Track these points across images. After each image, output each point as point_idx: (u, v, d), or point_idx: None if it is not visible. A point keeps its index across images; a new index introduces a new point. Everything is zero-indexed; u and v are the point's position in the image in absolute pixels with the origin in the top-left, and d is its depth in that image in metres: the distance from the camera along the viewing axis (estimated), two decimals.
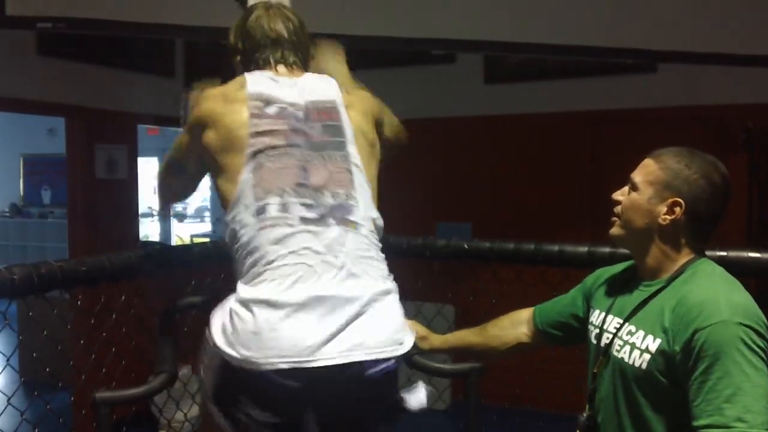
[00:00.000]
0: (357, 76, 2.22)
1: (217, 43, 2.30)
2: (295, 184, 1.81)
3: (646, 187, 1.77)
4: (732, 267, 1.87)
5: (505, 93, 5.79)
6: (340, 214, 1.81)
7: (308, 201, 1.80)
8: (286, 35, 2.04)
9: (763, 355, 1.55)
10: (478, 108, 5.87)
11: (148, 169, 10.97)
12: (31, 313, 2.12)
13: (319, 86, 1.99)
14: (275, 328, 1.70)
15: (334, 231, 1.79)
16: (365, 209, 1.86)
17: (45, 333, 2.30)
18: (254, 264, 1.78)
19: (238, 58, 2.08)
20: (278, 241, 1.77)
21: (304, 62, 2.07)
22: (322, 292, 1.73)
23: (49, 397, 2.37)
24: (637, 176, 1.80)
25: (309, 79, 2.01)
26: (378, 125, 2.05)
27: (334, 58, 2.26)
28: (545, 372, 3.11)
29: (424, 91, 5.95)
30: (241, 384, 1.77)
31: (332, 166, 1.85)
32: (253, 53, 2.04)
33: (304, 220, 1.79)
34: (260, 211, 1.80)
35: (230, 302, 1.80)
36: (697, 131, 5.01)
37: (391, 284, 1.86)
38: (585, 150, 5.56)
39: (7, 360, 2.20)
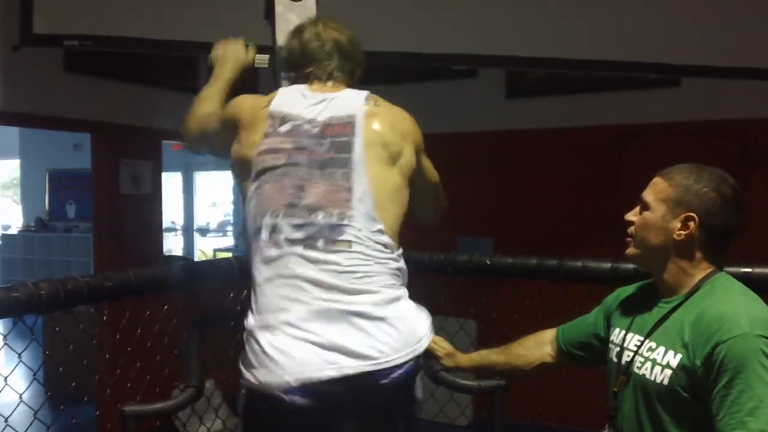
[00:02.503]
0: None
1: None
2: (287, 204, 1.82)
3: (658, 205, 1.77)
4: (757, 283, 1.86)
5: (527, 107, 5.79)
6: (330, 235, 1.80)
7: (297, 221, 1.80)
8: (334, 50, 2.05)
9: None
10: (500, 122, 5.87)
11: (172, 184, 11.07)
12: (57, 328, 2.14)
13: (347, 101, 1.96)
14: (278, 348, 1.73)
15: (321, 251, 1.79)
16: (362, 226, 1.82)
17: (71, 348, 2.32)
18: (253, 290, 1.82)
19: (293, 74, 2.10)
20: (267, 266, 1.80)
21: (351, 76, 2.07)
22: (317, 310, 1.75)
23: (74, 411, 2.39)
24: (648, 195, 1.80)
25: (342, 94, 1.99)
26: (415, 149, 2.00)
27: None
28: (569, 388, 3.09)
29: (446, 106, 5.96)
30: (263, 414, 1.80)
31: (331, 184, 1.83)
32: (302, 69, 2.05)
33: (291, 242, 1.79)
34: (256, 233, 1.83)
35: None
36: (722, 145, 4.99)
37: (395, 291, 1.85)
38: (608, 165, 5.54)
39: (34, 374, 2.22)
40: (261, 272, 1.81)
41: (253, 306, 1.81)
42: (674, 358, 1.67)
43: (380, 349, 1.75)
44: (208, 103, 2.19)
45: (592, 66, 4.01)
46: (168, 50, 4.67)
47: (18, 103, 4.99)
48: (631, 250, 1.86)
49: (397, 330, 1.79)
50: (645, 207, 1.81)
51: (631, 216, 1.85)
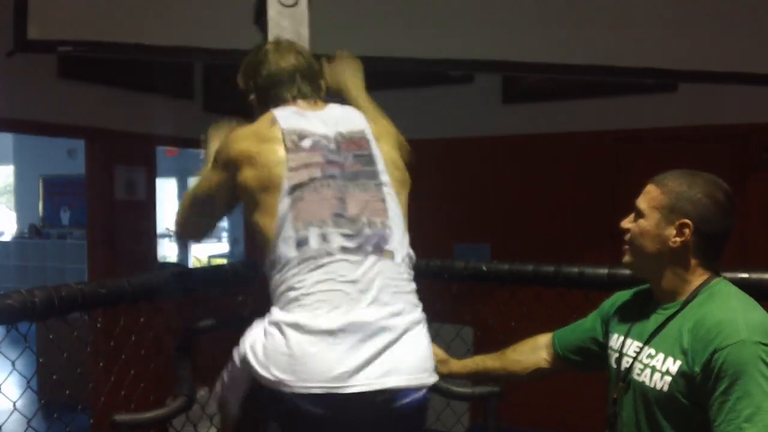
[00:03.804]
0: (375, 98, 2.23)
1: (235, 66, 2.33)
2: (333, 214, 1.83)
3: (652, 213, 1.78)
4: (754, 289, 1.86)
5: (523, 113, 5.79)
6: (377, 243, 1.83)
7: (347, 231, 1.82)
8: (299, 69, 2.07)
9: None
10: (496, 128, 5.87)
11: (167, 190, 11.05)
12: (51, 336, 2.12)
13: (346, 117, 2.00)
14: (308, 353, 1.71)
15: (371, 260, 1.81)
16: (400, 238, 1.88)
17: (65, 355, 2.31)
18: (291, 290, 1.79)
19: (252, 96, 2.11)
20: (317, 270, 1.79)
21: (320, 91, 2.10)
22: (357, 320, 1.74)
23: (68, 419, 2.37)
24: (642, 203, 1.81)
25: (334, 110, 2.02)
26: (401, 151, 2.06)
27: (353, 75, 2.28)
28: (565, 394, 3.08)
29: (442, 112, 5.96)
30: (269, 405, 1.78)
31: (367, 195, 1.87)
32: (268, 90, 2.06)
33: (344, 250, 1.80)
34: (301, 243, 1.81)
35: (263, 323, 1.82)
36: (719, 150, 4.99)
37: (421, 314, 1.87)
38: (605, 170, 5.54)
39: (28, 382, 2.21)
40: (307, 277, 1.79)
41: (287, 305, 1.79)
42: (673, 365, 1.68)
43: (408, 368, 1.76)
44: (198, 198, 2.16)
45: (589, 71, 4.00)
46: (163, 56, 4.65)
47: (12, 109, 4.97)
48: (627, 258, 1.87)
49: (422, 353, 1.82)
50: (639, 215, 1.81)
51: (627, 224, 1.86)
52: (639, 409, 1.77)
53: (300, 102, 2.03)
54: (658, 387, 1.70)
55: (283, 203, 1.84)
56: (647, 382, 1.73)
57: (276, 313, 1.80)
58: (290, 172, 1.86)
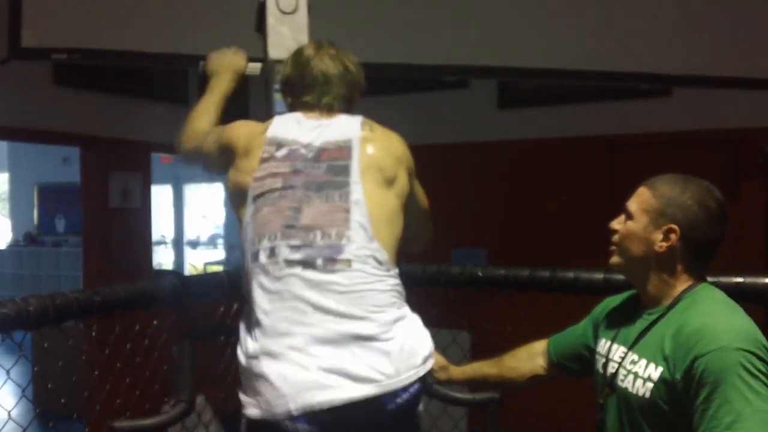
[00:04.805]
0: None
1: None
2: (284, 225, 1.81)
3: (641, 216, 1.77)
4: (747, 294, 1.86)
5: (519, 118, 5.78)
6: (330, 254, 1.78)
7: (295, 242, 1.79)
8: (335, 79, 2.02)
9: (764, 380, 1.54)
10: (492, 133, 5.86)
11: (162, 197, 11.04)
12: (46, 344, 2.11)
13: (342, 126, 1.96)
14: (283, 375, 1.69)
15: (320, 271, 1.77)
16: (361, 245, 1.81)
17: (60, 364, 2.30)
18: (251, 314, 1.79)
19: (289, 99, 2.09)
20: (267, 289, 1.78)
21: (349, 103, 2.05)
22: (320, 334, 1.72)
23: (63, 428, 2.36)
24: (632, 205, 1.81)
25: (337, 120, 1.99)
26: (408, 173, 2.00)
27: None
28: (561, 400, 3.07)
29: (437, 117, 5.95)
30: None
31: (328, 206, 1.83)
32: (298, 95, 2.04)
33: (289, 263, 1.77)
34: (254, 257, 1.81)
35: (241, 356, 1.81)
36: (714, 155, 5.00)
37: (398, 311, 1.83)
38: (601, 174, 5.54)
39: (23, 391, 2.20)
40: (261, 296, 1.78)
41: (253, 332, 1.78)
42: (655, 371, 1.67)
43: (384, 371, 1.73)
44: (203, 120, 2.20)
45: (584, 76, 4.00)
46: (157, 63, 4.65)
47: (7, 117, 4.97)
48: (614, 259, 1.86)
49: (401, 351, 1.78)
50: (628, 216, 1.81)
51: (616, 224, 1.85)
52: (623, 415, 1.76)
53: (314, 110, 2.00)
54: (640, 393, 1.69)
55: (248, 212, 1.86)
56: (630, 388, 1.73)
57: (245, 342, 1.79)
58: (255, 182, 1.86)
